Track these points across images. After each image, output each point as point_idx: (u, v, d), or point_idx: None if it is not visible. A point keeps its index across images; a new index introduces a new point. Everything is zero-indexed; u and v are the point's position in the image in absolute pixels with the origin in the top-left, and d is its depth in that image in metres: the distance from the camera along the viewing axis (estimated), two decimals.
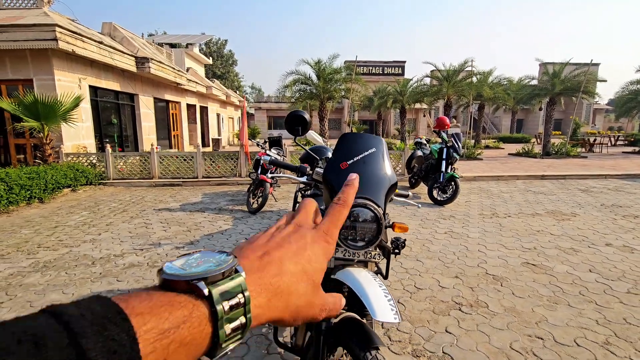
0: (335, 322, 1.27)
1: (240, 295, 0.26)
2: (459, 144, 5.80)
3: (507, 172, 8.71)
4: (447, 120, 5.92)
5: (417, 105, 21.37)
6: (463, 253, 3.61)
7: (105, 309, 0.21)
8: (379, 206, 1.26)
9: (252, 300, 0.27)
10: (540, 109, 23.18)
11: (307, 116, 1.54)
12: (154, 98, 12.64)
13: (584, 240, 3.98)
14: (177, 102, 15.15)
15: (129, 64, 9.74)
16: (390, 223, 1.45)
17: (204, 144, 18.58)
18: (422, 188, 7.13)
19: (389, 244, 1.53)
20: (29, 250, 3.76)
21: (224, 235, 4.23)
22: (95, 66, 8.84)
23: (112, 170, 7.71)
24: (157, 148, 10.68)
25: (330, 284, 1.34)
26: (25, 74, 7.46)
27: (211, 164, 8.10)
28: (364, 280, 1.22)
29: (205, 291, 0.25)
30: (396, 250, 1.59)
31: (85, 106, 8.54)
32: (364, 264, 1.42)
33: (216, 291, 0.25)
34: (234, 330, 0.26)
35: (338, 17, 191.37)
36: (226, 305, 0.25)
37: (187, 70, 18.35)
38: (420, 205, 1.84)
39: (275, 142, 6.30)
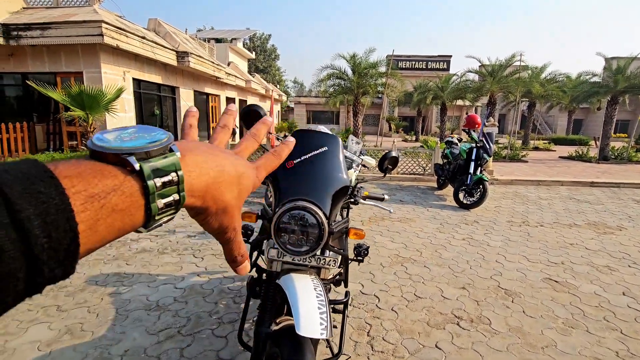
0: (276, 329, 1.21)
1: (173, 174, 0.26)
2: (491, 144, 5.40)
3: (550, 177, 7.98)
4: (478, 119, 5.52)
5: (460, 102, 20.30)
6: (477, 262, 3.35)
7: (32, 168, 0.21)
8: (321, 210, 1.17)
9: (185, 177, 0.27)
10: (599, 109, 20.95)
11: (262, 111, 1.47)
12: (194, 91, 13.20)
13: (625, 258, 3.52)
14: (216, 95, 15.70)
15: (170, 58, 10.22)
16: (344, 228, 1.35)
17: (242, 136, 19.11)
18: (449, 190, 6.77)
19: (349, 250, 1.43)
20: None
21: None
22: (138, 60, 9.39)
23: None
24: None
25: (274, 288, 1.27)
26: (77, 67, 8.10)
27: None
28: (301, 288, 1.14)
29: (136, 166, 0.25)
30: (358, 258, 1.49)
31: (128, 97, 9.12)
32: (317, 270, 1.34)
33: (147, 167, 0.25)
34: (167, 205, 0.26)
35: (388, 9, 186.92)
36: (158, 181, 0.25)
37: (228, 64, 18.94)
38: (391, 210, 1.70)
39: None
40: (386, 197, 1.65)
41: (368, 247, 1.51)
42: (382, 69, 13.05)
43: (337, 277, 1.55)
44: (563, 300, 2.67)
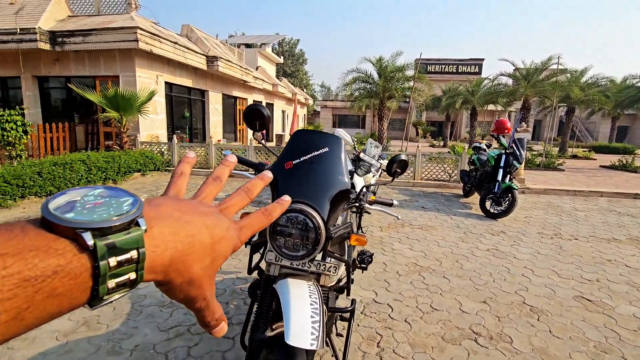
0: (271, 335, 1.17)
1: (134, 252, 0.24)
2: (522, 151, 5.12)
3: (589, 187, 7.47)
4: (508, 124, 5.26)
5: (491, 107, 19.55)
6: (502, 275, 3.16)
7: None
8: (318, 213, 1.12)
9: (148, 253, 0.25)
10: None
11: (265, 111, 1.45)
12: (223, 94, 13.57)
13: None
14: (244, 99, 16.06)
15: (200, 62, 10.57)
16: (346, 234, 1.29)
17: (268, 139, 19.42)
18: (475, 198, 6.49)
19: (352, 256, 1.37)
20: None
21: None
22: (171, 64, 9.78)
23: (176, 159, 8.46)
24: (219, 141, 11.45)
25: (271, 293, 1.24)
26: (114, 70, 8.56)
27: (266, 157, 8.40)
28: (295, 295, 1.10)
29: (90, 243, 0.22)
30: (362, 265, 1.42)
31: (160, 100, 9.51)
32: (317, 276, 1.29)
33: (103, 245, 0.22)
34: (119, 285, 0.24)
35: (418, 13, 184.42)
36: (113, 261, 0.23)
37: (257, 68, 19.33)
38: (399, 217, 1.61)
39: None
40: (395, 202, 1.58)
41: (372, 254, 1.44)
42: (410, 72, 12.82)
43: (341, 284, 1.49)
44: (596, 322, 2.45)
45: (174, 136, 8.64)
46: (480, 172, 5.79)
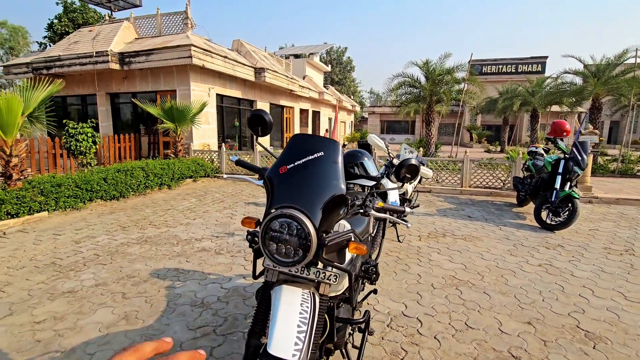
0: (266, 341, 1.16)
1: None
2: (584, 155, 4.57)
3: None
4: (567, 126, 4.73)
5: (555, 108, 17.83)
6: (553, 294, 2.83)
7: None
8: (309, 218, 1.09)
9: None
10: None
11: (267, 117, 1.45)
12: (270, 104, 14.09)
13: None
14: (290, 107, 16.52)
15: (249, 74, 11.11)
16: (344, 241, 1.24)
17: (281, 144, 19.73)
18: (531, 208, 5.93)
19: (357, 266, 1.31)
20: (142, 226, 4.68)
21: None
22: (221, 77, 10.41)
23: (225, 166, 8.93)
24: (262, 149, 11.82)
25: (268, 298, 1.23)
26: (172, 85, 9.34)
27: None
28: (284, 301, 1.08)
29: None
30: (366, 276, 1.35)
31: (212, 111, 10.15)
32: (316, 284, 1.25)
33: None
34: None
35: (471, 15, 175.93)
36: None
37: (304, 77, 19.81)
38: (409, 225, 1.49)
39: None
40: (408, 209, 1.49)
41: (376, 264, 1.36)
42: (461, 74, 12.20)
43: (346, 294, 1.44)
44: None
45: (223, 144, 9.14)
46: (535, 179, 5.28)
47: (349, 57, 43.73)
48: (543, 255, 3.72)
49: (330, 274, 1.22)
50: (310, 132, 19.51)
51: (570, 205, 4.48)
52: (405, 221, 1.46)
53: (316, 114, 20.96)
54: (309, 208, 1.12)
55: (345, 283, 1.35)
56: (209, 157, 9.08)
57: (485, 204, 6.31)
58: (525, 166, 5.87)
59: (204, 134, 9.85)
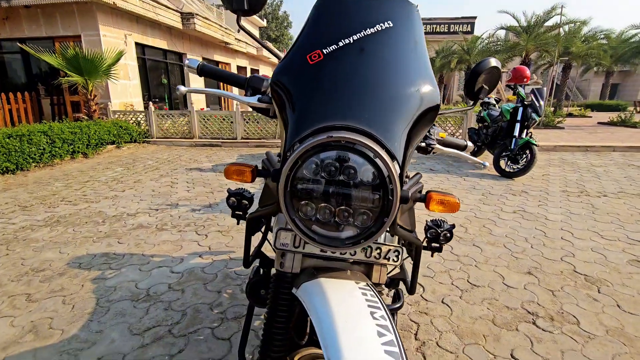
0: None
1: None
2: (541, 102, 4.59)
3: (599, 142, 7.08)
4: (527, 72, 4.68)
5: None
6: (539, 240, 2.73)
7: None
8: (389, 153, 0.57)
9: None
10: None
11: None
12: (203, 58, 12.48)
13: None
14: (227, 64, 14.94)
15: (174, 20, 9.49)
16: (420, 192, 0.74)
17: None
18: (485, 157, 6.04)
19: (417, 233, 0.85)
20: (52, 203, 3.67)
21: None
22: (141, 22, 8.71)
23: (155, 129, 7.69)
24: (202, 109, 10.59)
25: (288, 301, 0.71)
26: (74, 30, 7.52)
27: (254, 124, 7.70)
28: (339, 307, 0.57)
29: None
30: (434, 245, 0.90)
31: (132, 63, 8.54)
32: (366, 268, 0.76)
33: None
34: None
35: None
36: None
37: (238, 31, 17.96)
38: (486, 164, 1.05)
39: None
40: (469, 144, 1.04)
41: (453, 226, 0.92)
42: None
43: (396, 276, 0.98)
44: None
45: (150, 103, 7.80)
46: (492, 128, 5.28)
47: (285, 11, 41.09)
48: (513, 202, 3.67)
49: (389, 249, 0.73)
50: None
51: (528, 152, 4.53)
52: (482, 162, 0.99)
53: (255, 72, 19.41)
54: (385, 131, 0.58)
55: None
56: (133, 118, 7.71)
57: (440, 157, 6.28)
58: (480, 117, 5.86)
59: (125, 91, 8.31)
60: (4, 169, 4.64)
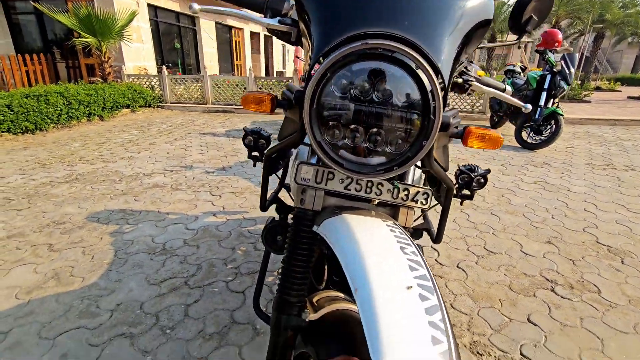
0: (312, 318, 0.63)
1: None
2: (572, 69, 4.30)
3: (628, 116, 6.71)
4: (559, 36, 4.36)
5: (512, 36, 17.75)
6: (560, 211, 2.64)
7: None
8: (433, 66, 0.50)
9: None
10: None
11: None
12: (216, 23, 12.14)
13: None
14: (240, 29, 14.50)
15: None
16: (457, 125, 0.68)
17: (268, 76, 18.09)
18: (505, 129, 5.81)
19: (450, 175, 0.79)
20: (70, 162, 3.73)
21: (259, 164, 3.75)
22: None
23: (169, 94, 7.64)
24: (215, 75, 10.42)
25: (308, 240, 0.67)
26: None
27: (267, 89, 7.54)
28: (366, 240, 0.53)
29: None
30: (465, 192, 0.84)
31: (144, 26, 8.37)
32: (392, 210, 0.71)
33: None
34: None
35: None
36: None
37: None
38: (528, 106, 0.96)
39: None
40: (508, 88, 0.96)
41: (488, 171, 0.86)
42: None
43: (419, 226, 0.94)
44: None
45: (163, 67, 7.70)
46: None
47: None
48: (534, 173, 3.55)
49: (418, 191, 0.67)
50: (262, 59, 17.69)
51: (553, 122, 4.32)
52: (524, 104, 0.91)
53: (268, 40, 18.87)
54: (428, 41, 0.51)
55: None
56: (147, 82, 7.65)
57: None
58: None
59: (138, 54, 8.20)
60: (24, 128, 4.71)
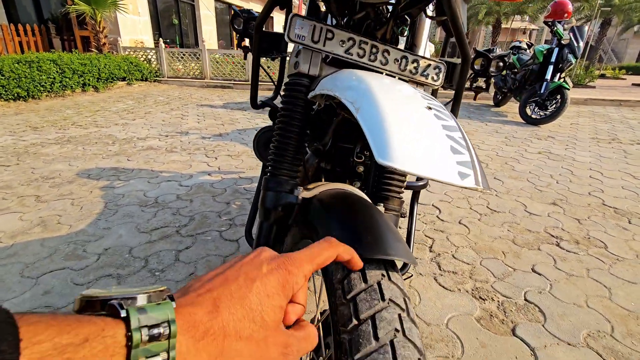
0: (306, 195, 0.55)
1: (165, 325, 0.21)
2: (581, 43, 4.17)
3: (633, 97, 6.59)
4: (569, 6, 4.21)
5: (516, 23, 17.40)
6: (565, 177, 2.57)
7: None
8: None
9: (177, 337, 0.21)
10: None
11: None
12: (216, 0, 11.81)
13: None
14: (239, 7, 14.16)
15: None
16: None
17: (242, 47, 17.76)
18: (509, 107, 5.71)
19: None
20: (62, 126, 3.62)
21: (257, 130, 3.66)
22: None
23: (166, 68, 7.47)
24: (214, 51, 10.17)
25: (302, 109, 0.59)
26: None
27: (266, 66, 7.38)
28: (387, 91, 0.44)
29: (122, 312, 0.20)
30: (478, 77, 0.76)
31: None
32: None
33: (134, 313, 0.20)
34: None
35: None
36: (145, 333, 0.20)
37: None
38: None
39: None
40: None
41: (508, 54, 0.78)
42: None
43: None
44: None
45: (160, 40, 7.50)
46: (521, 73, 4.90)
47: None
48: (538, 145, 3.47)
49: (429, 64, 0.59)
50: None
51: (559, 97, 4.21)
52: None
53: (269, 20, 18.43)
54: None
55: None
56: (144, 56, 7.46)
57: (462, 104, 5.96)
58: (508, 63, 5.43)
59: (134, 27, 7.98)
60: (15, 95, 4.58)
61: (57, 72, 5.15)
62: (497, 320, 1.17)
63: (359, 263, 0.31)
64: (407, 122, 0.37)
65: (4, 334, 0.16)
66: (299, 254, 0.28)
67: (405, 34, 0.60)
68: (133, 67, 6.78)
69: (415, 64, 0.59)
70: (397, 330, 0.35)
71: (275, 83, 1.05)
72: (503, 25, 17.00)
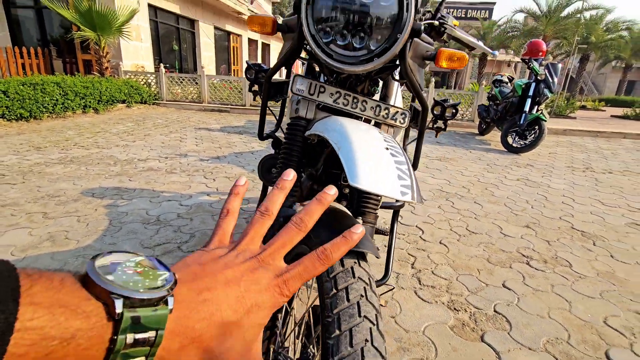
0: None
1: (152, 333, 0.21)
2: (555, 78, 4.53)
3: (610, 129, 7.00)
4: (543, 46, 4.60)
5: (502, 56, 18.35)
6: (540, 202, 2.77)
7: (3, 280, 0.17)
8: None
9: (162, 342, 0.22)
10: None
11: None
12: (215, 27, 12.34)
13: None
14: (238, 35, 14.75)
15: None
16: (429, 52, 0.78)
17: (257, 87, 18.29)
18: (493, 136, 6.02)
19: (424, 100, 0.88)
20: (65, 146, 3.76)
21: (253, 154, 3.84)
22: None
23: (166, 91, 7.72)
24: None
25: (299, 144, 0.76)
26: None
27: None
28: (357, 128, 0.62)
29: (118, 311, 0.20)
30: (437, 126, 0.94)
31: (144, 25, 8.48)
32: (376, 127, 0.80)
33: (129, 317, 0.20)
34: None
35: None
36: (131, 337, 0.20)
37: (252, 2, 17.62)
38: (496, 54, 1.07)
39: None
40: (480, 44, 1.06)
41: (459, 103, 0.96)
42: None
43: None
44: None
45: (161, 65, 7.80)
46: (503, 104, 5.23)
47: None
48: (517, 172, 3.70)
49: (397, 111, 0.77)
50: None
51: (537, 127, 4.51)
52: (492, 51, 1.02)
53: (266, 47, 19.19)
54: None
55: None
56: (144, 79, 7.72)
57: (448, 133, 6.26)
58: (491, 95, 5.80)
59: (137, 53, 8.29)
60: (18, 115, 4.72)
61: (60, 93, 5.33)
62: (468, 329, 1.31)
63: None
64: (370, 158, 0.54)
65: (4, 311, 0.16)
66: (293, 280, 0.28)
67: (378, 90, 0.78)
68: (133, 90, 7.01)
69: (386, 111, 0.77)
70: (365, 290, 0.51)
71: (277, 119, 1.22)
72: (489, 58, 17.91)
